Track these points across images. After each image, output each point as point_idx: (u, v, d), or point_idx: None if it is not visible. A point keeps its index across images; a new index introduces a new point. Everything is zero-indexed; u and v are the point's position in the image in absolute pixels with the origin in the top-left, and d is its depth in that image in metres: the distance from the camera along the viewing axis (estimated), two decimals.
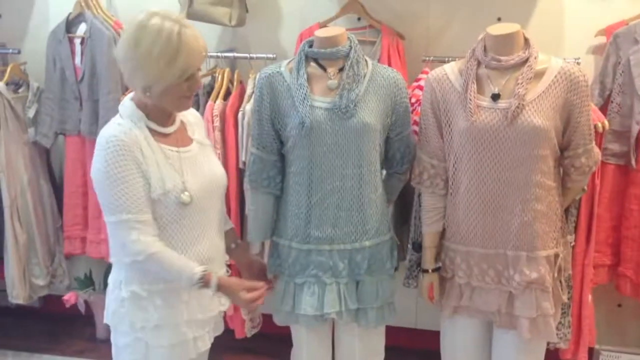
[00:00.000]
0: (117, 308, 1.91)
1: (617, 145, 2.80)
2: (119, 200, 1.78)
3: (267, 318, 3.16)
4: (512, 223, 2.03)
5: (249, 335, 3.16)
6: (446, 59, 2.72)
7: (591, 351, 2.84)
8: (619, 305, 3.20)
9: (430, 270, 2.20)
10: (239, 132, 2.87)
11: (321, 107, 2.09)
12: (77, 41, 3.20)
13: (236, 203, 2.91)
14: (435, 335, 3.31)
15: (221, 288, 1.89)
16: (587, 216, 2.67)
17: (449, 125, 2.07)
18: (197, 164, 1.95)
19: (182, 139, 1.95)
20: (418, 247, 2.82)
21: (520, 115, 1.95)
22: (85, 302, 3.50)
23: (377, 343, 2.31)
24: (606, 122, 2.50)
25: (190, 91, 1.88)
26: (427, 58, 2.82)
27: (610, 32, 2.80)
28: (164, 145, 1.88)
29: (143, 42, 1.76)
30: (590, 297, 2.75)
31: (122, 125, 1.83)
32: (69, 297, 3.45)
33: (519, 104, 1.94)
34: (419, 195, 2.74)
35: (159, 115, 1.89)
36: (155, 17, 1.79)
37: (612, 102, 2.80)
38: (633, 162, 2.75)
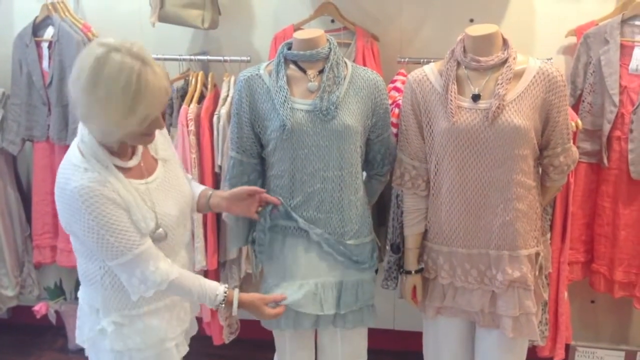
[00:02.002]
0: (95, 336, 1.87)
1: (589, 144, 2.85)
2: (121, 242, 1.72)
3: (244, 324, 3.19)
4: (494, 223, 2.04)
5: (227, 342, 3.13)
6: (421, 60, 2.74)
7: (567, 347, 2.88)
8: (592, 302, 3.24)
9: (413, 272, 2.19)
10: (214, 136, 2.83)
11: (302, 109, 2.07)
12: (45, 45, 3.13)
13: None
14: (413, 336, 3.35)
15: (243, 305, 1.94)
16: (562, 214, 2.71)
17: (430, 126, 2.08)
18: (165, 190, 1.87)
19: (147, 165, 1.86)
20: (396, 248, 2.82)
21: (500, 115, 1.96)
22: (56, 312, 3.43)
23: (359, 345, 2.30)
24: (579, 122, 2.54)
25: (152, 131, 1.77)
26: (402, 59, 2.83)
27: (580, 32, 2.85)
28: (132, 180, 1.78)
29: (99, 87, 1.60)
30: (566, 294, 2.79)
31: (89, 170, 1.69)
32: (40, 308, 3.37)
33: (500, 104, 1.95)
34: (397, 196, 2.76)
35: (121, 149, 1.79)
36: (115, 53, 1.61)
37: (583, 101, 2.84)
38: (605, 160, 2.80)
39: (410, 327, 3.37)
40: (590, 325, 3.26)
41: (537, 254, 2.09)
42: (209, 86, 2.96)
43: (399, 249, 2.82)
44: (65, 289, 3.49)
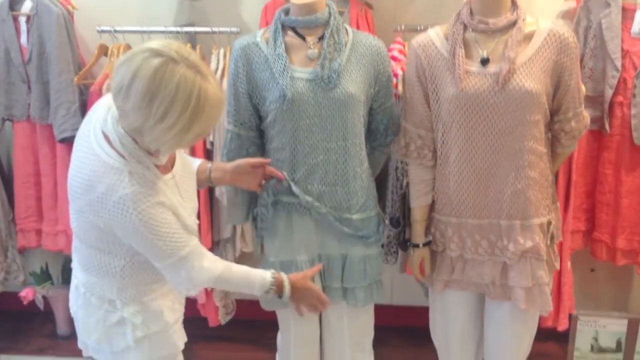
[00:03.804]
0: (109, 328, 1.78)
1: (590, 110, 2.74)
2: (168, 245, 1.64)
3: (240, 304, 3.13)
4: (505, 192, 1.97)
5: (223, 323, 3.06)
6: (418, 27, 2.65)
7: (569, 317, 2.85)
8: (592, 270, 3.22)
9: (421, 245, 2.12)
10: None
11: (302, 78, 1.98)
12: (22, 19, 2.97)
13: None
14: (412, 311, 3.33)
15: (294, 287, 1.87)
16: (565, 183, 2.67)
17: (437, 93, 1.99)
18: (185, 179, 1.80)
19: (170, 156, 1.77)
20: (396, 222, 2.75)
21: (511, 79, 1.88)
22: (44, 297, 3.31)
23: (367, 322, 2.24)
24: (583, 87, 2.47)
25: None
26: (399, 27, 2.73)
27: None
28: (165, 177, 1.70)
29: (156, 103, 1.46)
30: (569, 263, 2.75)
31: (134, 173, 1.58)
32: (26, 294, 3.26)
33: (510, 67, 1.87)
34: (396, 169, 2.69)
35: None
36: (174, 65, 1.47)
37: (584, 67, 2.77)
38: (607, 126, 2.74)
39: (409, 302, 3.33)
40: (591, 294, 3.24)
41: (549, 223, 2.03)
42: None
43: (398, 222, 2.75)
44: (51, 274, 3.38)
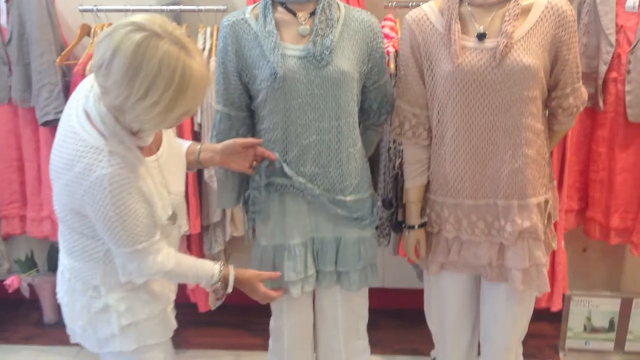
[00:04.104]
0: (95, 315, 1.74)
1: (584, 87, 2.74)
2: (129, 235, 1.60)
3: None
4: (502, 171, 1.92)
5: (213, 308, 3.00)
6: (410, 4, 2.59)
7: (562, 297, 2.83)
8: (584, 250, 3.20)
9: (416, 226, 2.08)
10: None
11: (293, 55, 1.91)
12: None
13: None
14: (404, 294, 3.31)
15: (240, 283, 1.88)
16: (559, 161, 2.63)
17: (432, 70, 1.94)
18: (171, 162, 1.74)
19: (156, 138, 1.71)
20: (388, 204, 2.72)
21: (508, 54, 1.83)
22: (29, 285, 3.25)
23: (361, 306, 2.19)
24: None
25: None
26: (390, 4, 2.67)
27: None
28: (147, 159, 1.64)
29: (138, 79, 1.41)
30: (562, 243, 2.72)
31: (114, 153, 1.53)
32: (11, 282, 3.20)
33: (508, 42, 1.82)
34: (388, 149, 2.64)
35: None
36: (157, 40, 1.42)
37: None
38: (601, 104, 2.71)
39: (400, 285, 3.31)
40: (582, 273, 3.22)
41: (546, 202, 1.99)
42: None
43: (390, 204, 2.72)
44: (37, 261, 3.32)
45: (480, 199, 1.97)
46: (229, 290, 1.87)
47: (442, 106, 1.94)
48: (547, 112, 2.00)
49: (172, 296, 1.88)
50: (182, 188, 1.77)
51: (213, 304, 3.02)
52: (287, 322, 2.15)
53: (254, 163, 1.99)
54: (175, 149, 1.81)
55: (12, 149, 3.05)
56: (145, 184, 1.60)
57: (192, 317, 3.06)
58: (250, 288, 1.92)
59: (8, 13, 2.88)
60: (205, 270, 1.81)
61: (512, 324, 2.07)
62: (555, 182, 2.08)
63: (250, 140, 1.97)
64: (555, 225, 2.47)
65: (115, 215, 1.55)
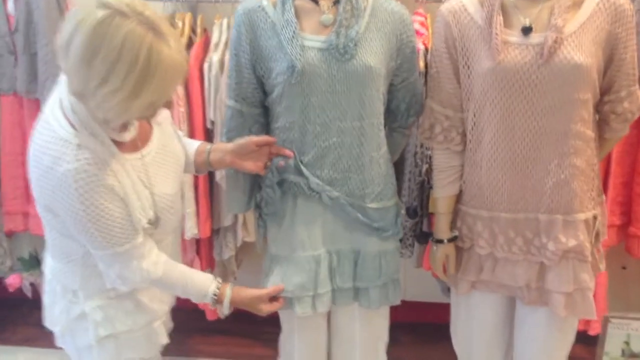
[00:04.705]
0: (72, 322, 1.61)
1: None
2: (108, 235, 1.47)
3: None
4: (546, 182, 1.72)
5: (222, 317, 2.84)
6: None
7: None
8: (624, 268, 2.98)
9: (445, 240, 1.87)
10: (205, 87, 2.51)
11: (314, 47, 1.73)
12: None
13: None
14: (425, 307, 3.12)
15: (236, 304, 1.73)
16: (602, 172, 2.41)
17: (469, 67, 1.74)
18: (161, 162, 1.60)
19: (141, 133, 1.56)
20: (413, 213, 2.55)
21: (557, 51, 1.62)
22: (32, 284, 3.12)
23: (381, 326, 2.00)
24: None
25: (156, 113, 1.48)
26: None
27: None
28: (128, 156, 1.49)
29: (97, 60, 1.28)
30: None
31: (84, 147, 1.39)
32: (13, 280, 3.09)
33: (557, 37, 1.61)
34: (415, 154, 2.45)
35: None
36: (121, 18, 1.29)
37: None
38: None
39: (423, 298, 3.13)
40: (621, 293, 2.99)
41: (594, 218, 1.78)
42: (198, 31, 2.63)
43: (415, 213, 2.55)
44: (40, 259, 3.15)
45: (520, 212, 1.77)
46: (225, 313, 1.73)
47: (479, 108, 1.74)
48: (597, 118, 1.79)
49: (165, 308, 1.72)
50: (172, 190, 1.61)
51: (222, 312, 2.88)
52: (298, 342, 1.97)
53: (268, 163, 1.82)
54: (171, 147, 1.65)
55: (16, 142, 2.91)
56: (119, 183, 1.45)
57: (199, 324, 2.92)
58: (251, 309, 1.77)
59: (15, 0, 2.73)
60: (198, 287, 1.65)
61: (551, 354, 1.86)
62: (604, 197, 1.86)
63: (265, 138, 1.80)
64: None
65: (86, 215, 1.42)
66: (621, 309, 2.90)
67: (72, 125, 1.41)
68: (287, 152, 1.79)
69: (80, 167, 1.38)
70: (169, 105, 1.47)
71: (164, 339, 1.72)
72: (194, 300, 1.67)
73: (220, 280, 1.68)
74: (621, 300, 2.99)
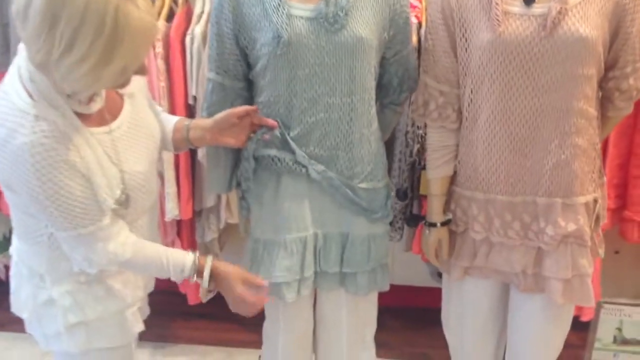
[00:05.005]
0: (39, 308, 1.50)
1: None
2: (69, 215, 1.35)
3: None
4: (546, 163, 1.63)
5: (204, 301, 2.72)
6: None
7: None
8: (617, 252, 2.91)
9: (438, 224, 1.78)
10: (187, 61, 2.38)
11: (301, 16, 1.62)
12: None
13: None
14: (413, 292, 3.04)
15: (216, 278, 1.55)
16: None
17: (466, 40, 1.64)
18: (133, 138, 1.48)
19: (110, 106, 1.44)
20: (403, 195, 2.46)
21: (561, 23, 1.53)
22: (5, 267, 3.00)
23: (368, 313, 1.91)
24: None
25: (130, 80, 1.36)
26: None
27: None
28: (94, 130, 1.38)
29: (60, 24, 1.17)
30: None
31: (42, 118, 1.28)
32: None
33: (561, 8, 1.52)
34: (406, 133, 2.35)
35: None
36: None
37: None
38: None
39: (411, 282, 3.05)
40: (613, 278, 2.92)
41: (595, 201, 1.70)
42: (180, 0, 2.47)
43: (405, 195, 2.47)
44: None
45: (517, 195, 1.68)
46: (205, 286, 1.56)
47: (476, 83, 1.64)
48: (599, 95, 1.70)
49: (139, 294, 1.61)
50: (144, 168, 1.49)
51: (204, 295, 2.79)
52: (283, 329, 1.88)
53: (251, 135, 1.71)
54: (145, 121, 1.53)
55: None
56: (82, 158, 1.33)
57: (181, 308, 2.80)
58: (227, 286, 1.57)
59: None
60: (174, 263, 1.51)
61: (546, 342, 1.79)
62: (605, 178, 1.77)
63: (245, 108, 1.69)
64: None
65: (43, 192, 1.31)
66: (614, 295, 2.84)
67: (31, 96, 1.30)
68: (270, 122, 1.69)
69: (37, 140, 1.27)
70: (143, 70, 1.34)
71: (139, 327, 1.61)
72: (172, 278, 1.54)
73: (196, 254, 1.55)
74: (614, 286, 2.93)
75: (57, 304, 1.48)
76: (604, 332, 2.68)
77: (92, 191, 1.36)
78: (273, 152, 1.71)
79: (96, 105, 1.39)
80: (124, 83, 1.35)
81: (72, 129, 1.32)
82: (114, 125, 1.43)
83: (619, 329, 2.68)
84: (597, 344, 2.68)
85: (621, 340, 2.68)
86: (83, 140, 1.34)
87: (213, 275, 1.54)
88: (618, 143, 2.51)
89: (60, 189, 1.31)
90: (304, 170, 1.71)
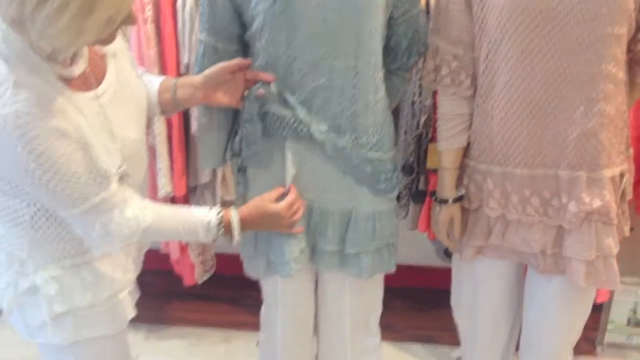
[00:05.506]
0: (20, 296, 1.37)
1: None
2: (73, 189, 1.23)
3: (221, 258, 2.68)
4: (570, 133, 1.49)
5: (200, 282, 2.64)
6: None
7: None
8: (631, 229, 2.77)
9: (450, 201, 1.64)
10: (179, 26, 2.23)
11: None
12: None
13: (179, 121, 2.29)
14: (418, 272, 2.93)
15: (249, 220, 1.48)
16: None
17: None
18: (120, 102, 1.35)
19: (93, 68, 1.31)
20: (409, 169, 2.33)
21: None
22: None
23: (374, 296, 1.78)
24: None
25: (116, 34, 1.23)
26: None
27: None
28: (80, 95, 1.25)
29: None
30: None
31: (22, 85, 1.15)
32: None
33: None
34: (412, 103, 2.21)
35: None
36: None
37: None
38: None
39: (416, 261, 2.93)
40: (627, 257, 2.77)
41: (622, 175, 1.57)
42: None
43: (411, 169, 2.34)
44: None
45: (537, 168, 1.54)
46: (237, 240, 1.46)
47: (493, 45, 1.50)
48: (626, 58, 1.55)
49: (130, 277, 1.49)
50: (136, 135, 1.38)
51: (200, 276, 2.68)
52: (282, 312, 1.75)
53: (245, 93, 1.57)
54: (131, 85, 1.41)
55: None
56: (73, 125, 1.20)
57: (176, 288, 2.70)
58: (269, 218, 1.51)
59: None
60: (201, 220, 1.41)
61: (566, 327, 1.66)
62: (631, 150, 1.63)
63: (238, 61, 1.55)
64: None
65: (39, 167, 1.18)
66: (627, 274, 2.72)
67: (6, 60, 1.16)
68: (266, 75, 1.54)
69: (20, 109, 1.14)
70: (131, 19, 1.19)
71: (130, 313, 1.49)
72: (202, 239, 1.44)
73: (219, 208, 1.46)
74: (628, 266, 2.80)
75: (41, 292, 1.36)
76: (618, 313, 2.62)
77: (92, 159, 1.23)
78: (272, 108, 1.56)
79: (79, 68, 1.26)
80: (110, 37, 1.21)
81: (57, 94, 1.19)
82: (100, 89, 1.30)
83: (634, 311, 2.62)
84: (610, 326, 2.63)
85: (635, 322, 2.63)
86: (71, 105, 1.21)
87: (244, 225, 1.47)
88: (636, 114, 2.37)
89: (58, 159, 1.18)
90: (305, 129, 1.56)
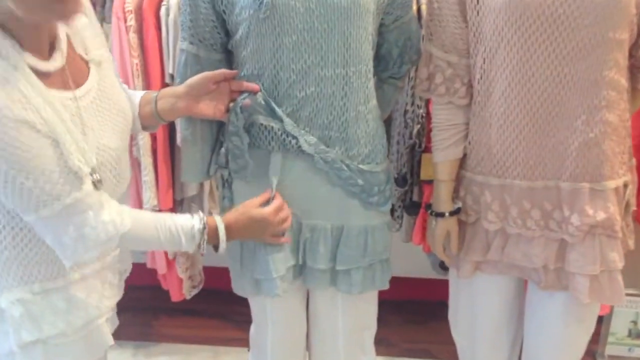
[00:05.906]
0: None
1: None
2: (42, 190, 1.13)
3: (209, 272, 2.63)
4: (571, 142, 1.43)
5: (188, 297, 2.56)
6: None
7: None
8: None
9: (446, 214, 1.58)
10: (163, 34, 2.17)
11: None
12: None
13: (164, 133, 2.22)
14: (413, 284, 2.86)
15: (235, 232, 1.43)
16: None
17: (478, 1, 1.43)
18: (101, 109, 1.27)
19: (73, 70, 1.23)
20: (402, 180, 2.28)
21: None
22: None
23: (367, 313, 1.71)
24: None
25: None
26: None
27: None
28: (57, 94, 1.16)
29: None
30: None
31: None
32: None
33: None
34: (405, 113, 2.15)
35: (34, 39, 1.15)
36: None
37: None
38: None
39: (411, 274, 2.86)
40: (628, 268, 2.71)
41: (625, 186, 1.51)
42: None
43: (405, 180, 2.28)
44: None
45: (537, 180, 1.48)
46: (222, 247, 1.40)
47: (490, 52, 1.44)
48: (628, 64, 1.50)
49: (108, 303, 1.38)
50: (116, 144, 1.28)
51: (188, 292, 2.61)
52: (272, 332, 1.68)
53: (230, 105, 1.51)
54: (114, 96, 1.32)
55: None
56: (43, 119, 1.11)
57: (164, 304, 2.63)
58: (255, 223, 1.45)
59: None
60: (183, 227, 1.34)
61: (569, 346, 1.60)
62: (634, 160, 1.57)
63: (222, 71, 1.49)
64: None
65: (7, 163, 1.09)
66: (628, 286, 2.66)
67: None
68: (252, 85, 1.48)
69: None
70: None
71: (108, 341, 1.39)
72: (184, 247, 1.35)
73: (202, 214, 1.38)
74: (629, 276, 2.74)
75: (6, 317, 1.25)
76: (619, 325, 2.58)
77: (63, 156, 1.14)
78: (260, 119, 1.49)
79: (56, 63, 1.18)
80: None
81: (27, 85, 1.10)
82: (79, 92, 1.21)
83: (635, 322, 2.58)
84: (610, 338, 2.60)
85: (636, 334, 2.59)
86: (42, 99, 1.11)
87: (230, 233, 1.41)
88: (633, 122, 2.32)
89: (25, 153, 1.08)
90: (294, 141, 1.49)
